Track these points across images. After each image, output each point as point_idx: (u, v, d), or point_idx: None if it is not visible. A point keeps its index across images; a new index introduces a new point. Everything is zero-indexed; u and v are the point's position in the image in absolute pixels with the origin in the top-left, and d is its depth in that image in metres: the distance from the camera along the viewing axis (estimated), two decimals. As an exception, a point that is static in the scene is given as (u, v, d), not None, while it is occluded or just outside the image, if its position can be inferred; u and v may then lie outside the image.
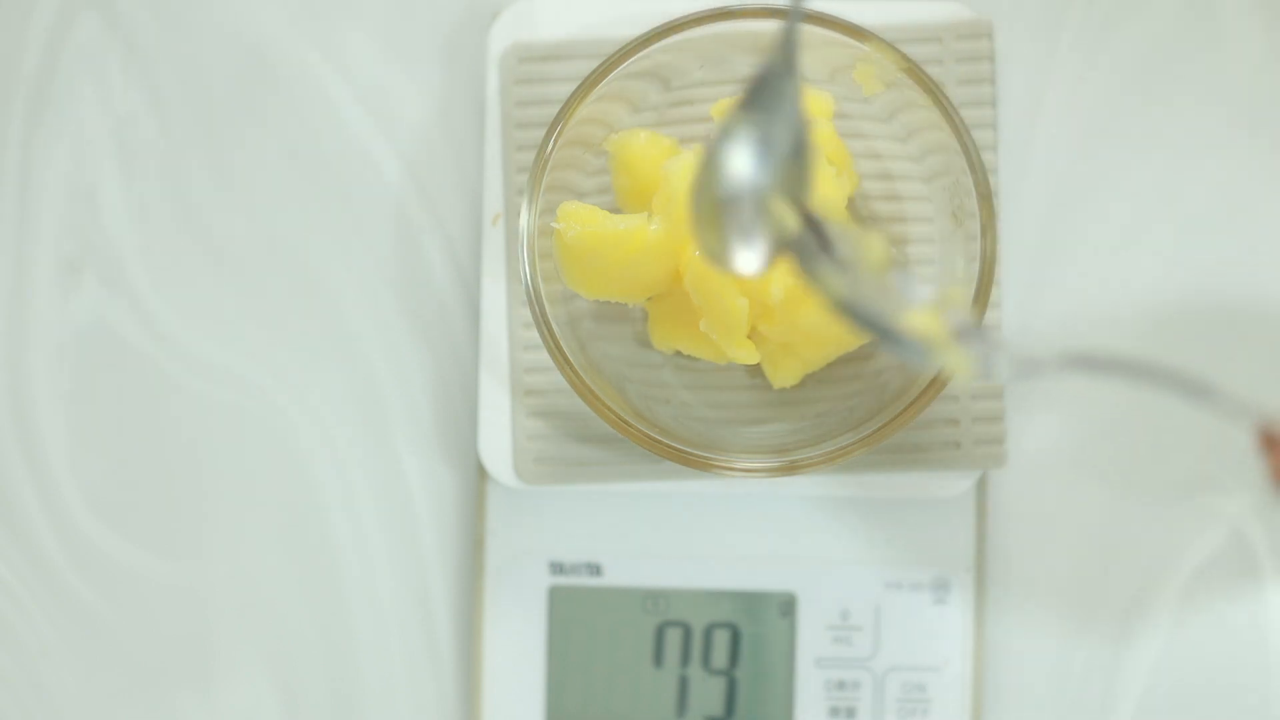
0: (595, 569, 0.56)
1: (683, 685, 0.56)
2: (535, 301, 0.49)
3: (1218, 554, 0.56)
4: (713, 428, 0.53)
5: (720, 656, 0.56)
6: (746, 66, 0.52)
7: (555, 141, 0.49)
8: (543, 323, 0.49)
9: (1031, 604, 0.57)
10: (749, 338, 0.50)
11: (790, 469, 0.49)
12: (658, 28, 0.49)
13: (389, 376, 0.58)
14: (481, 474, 0.56)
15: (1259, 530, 0.57)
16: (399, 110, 0.58)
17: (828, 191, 0.49)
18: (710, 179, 0.40)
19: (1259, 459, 0.41)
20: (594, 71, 0.49)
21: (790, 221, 0.40)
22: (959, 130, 0.49)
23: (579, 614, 0.56)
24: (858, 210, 0.53)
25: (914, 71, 0.49)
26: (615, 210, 0.51)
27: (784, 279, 0.47)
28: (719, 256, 0.41)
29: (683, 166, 0.48)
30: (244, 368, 0.58)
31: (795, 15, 0.40)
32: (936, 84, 0.49)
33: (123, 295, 0.58)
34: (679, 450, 0.49)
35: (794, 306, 0.48)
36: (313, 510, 0.58)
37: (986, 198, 0.48)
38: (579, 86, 0.49)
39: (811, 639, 0.56)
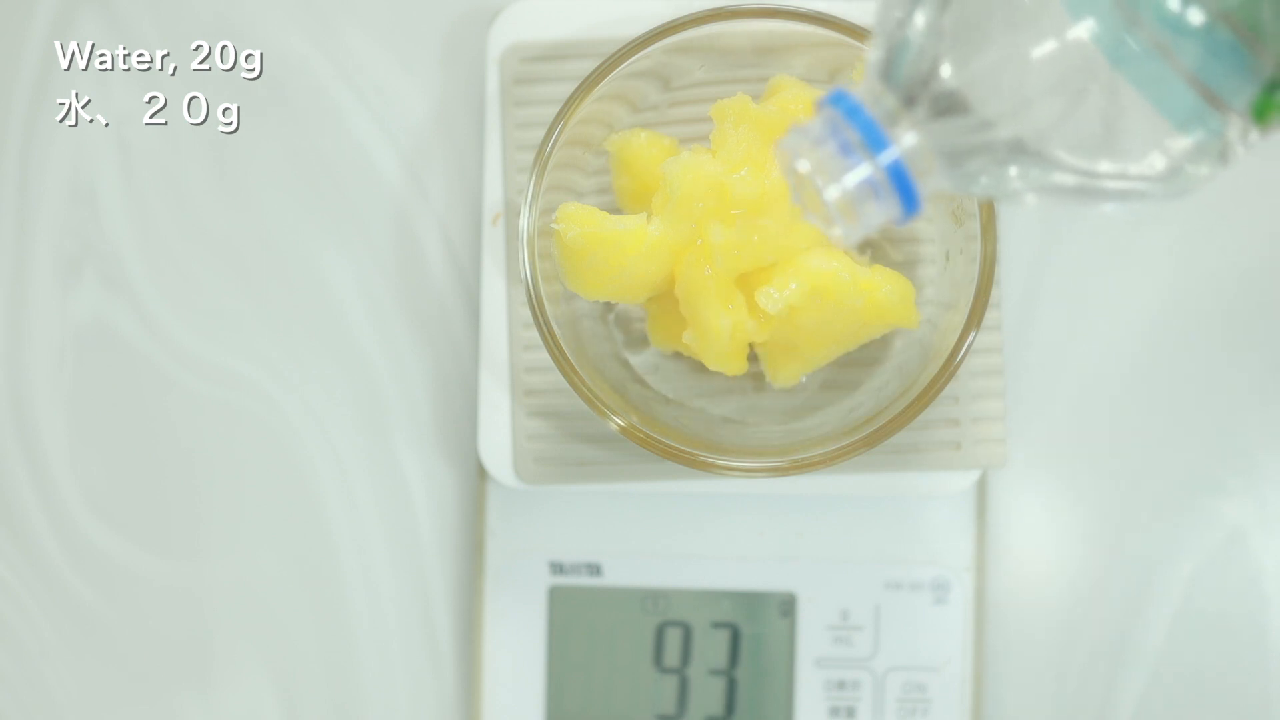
0: (595, 569, 0.56)
1: (683, 685, 0.56)
2: (535, 301, 0.49)
3: (1218, 554, 0.56)
4: (713, 428, 0.53)
5: (720, 656, 0.56)
6: (746, 67, 0.52)
7: (555, 141, 0.49)
8: (543, 323, 0.49)
9: (1031, 604, 0.57)
10: (752, 345, 0.50)
11: (790, 469, 0.49)
12: (658, 28, 0.49)
13: (389, 376, 0.58)
14: (481, 474, 0.56)
15: (1259, 530, 0.57)
16: (399, 110, 0.58)
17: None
18: None
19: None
20: (594, 71, 0.49)
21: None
22: (959, 130, 0.49)
23: (579, 614, 0.56)
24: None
25: (914, 71, 0.49)
26: (615, 210, 0.51)
27: (777, 293, 0.47)
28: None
29: (682, 166, 0.48)
30: (244, 368, 0.58)
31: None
32: (936, 84, 0.49)
33: (123, 295, 0.58)
34: (679, 450, 0.49)
35: (793, 309, 0.48)
36: (313, 510, 0.58)
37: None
38: (579, 86, 0.49)
39: (811, 639, 0.56)
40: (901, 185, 0.39)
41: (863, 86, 0.39)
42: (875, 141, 0.39)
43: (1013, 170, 0.38)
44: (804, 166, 0.40)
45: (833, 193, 0.39)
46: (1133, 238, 0.57)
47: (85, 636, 0.58)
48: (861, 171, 0.39)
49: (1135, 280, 0.57)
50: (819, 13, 0.48)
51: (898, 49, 0.39)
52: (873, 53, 0.39)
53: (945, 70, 0.38)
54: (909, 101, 0.38)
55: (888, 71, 0.39)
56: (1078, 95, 0.37)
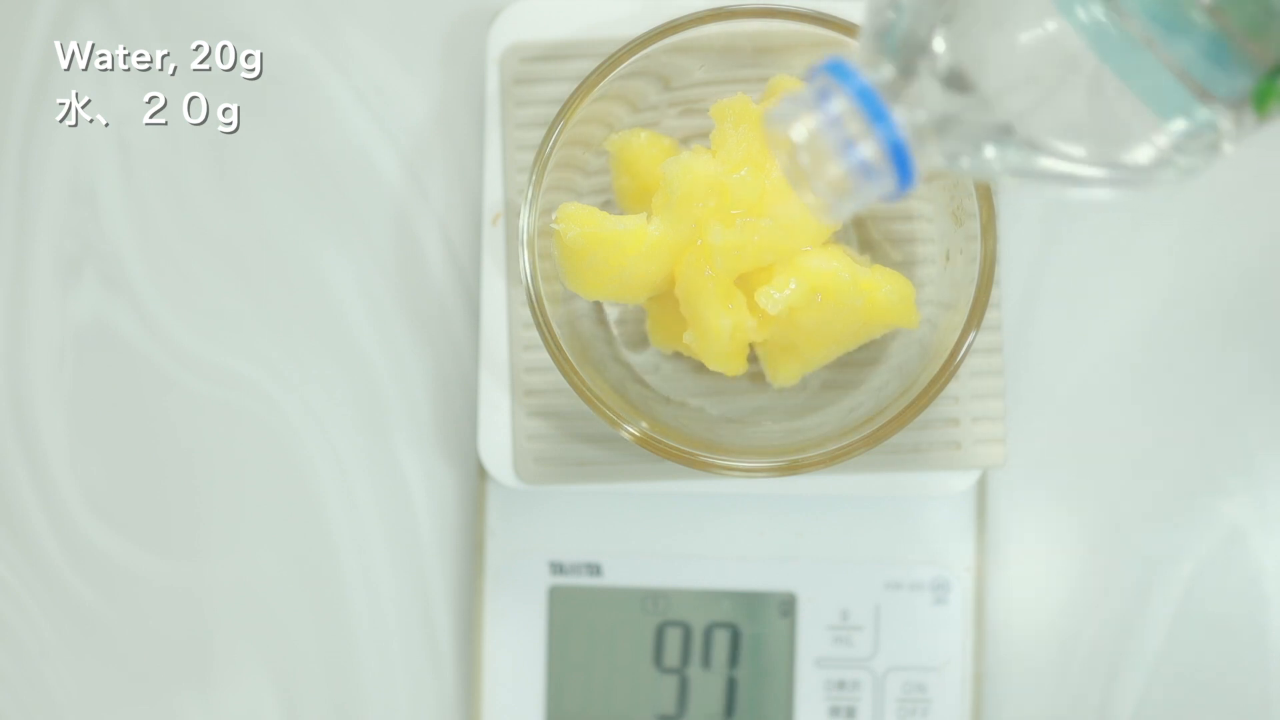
0: (595, 569, 0.56)
1: (683, 685, 0.56)
2: (535, 301, 0.49)
3: (1218, 554, 0.56)
4: (713, 428, 0.53)
5: (720, 656, 0.56)
6: (746, 67, 0.52)
7: (555, 141, 0.49)
8: (543, 323, 0.49)
9: (1031, 604, 0.57)
10: (752, 345, 0.50)
11: (790, 469, 0.49)
12: (658, 28, 0.49)
13: (389, 376, 0.58)
14: (481, 474, 0.56)
15: (1259, 530, 0.57)
16: (399, 110, 0.58)
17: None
18: None
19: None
20: (594, 71, 0.49)
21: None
22: (959, 130, 0.49)
23: (579, 614, 0.56)
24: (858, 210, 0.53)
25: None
26: (615, 210, 0.51)
27: (777, 293, 0.47)
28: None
29: (682, 167, 0.48)
30: (244, 368, 0.58)
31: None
32: (936, 84, 0.49)
33: (123, 295, 0.58)
34: (679, 450, 0.49)
35: (793, 309, 0.48)
36: (313, 510, 0.58)
37: (987, 198, 0.48)
38: (579, 86, 0.49)
39: (811, 639, 0.56)
40: (898, 157, 0.38)
41: (858, 54, 0.39)
42: (873, 111, 0.38)
43: (1001, 152, 0.38)
44: (797, 135, 0.39)
45: (827, 165, 0.39)
46: (1133, 238, 0.57)
47: (85, 636, 0.58)
48: (857, 143, 0.38)
49: (1135, 280, 0.57)
50: (819, 12, 0.48)
51: (894, 13, 0.38)
52: (868, 21, 0.39)
53: (938, 45, 0.38)
54: (905, 71, 0.38)
55: (882, 39, 0.38)
56: (1064, 83, 0.37)
